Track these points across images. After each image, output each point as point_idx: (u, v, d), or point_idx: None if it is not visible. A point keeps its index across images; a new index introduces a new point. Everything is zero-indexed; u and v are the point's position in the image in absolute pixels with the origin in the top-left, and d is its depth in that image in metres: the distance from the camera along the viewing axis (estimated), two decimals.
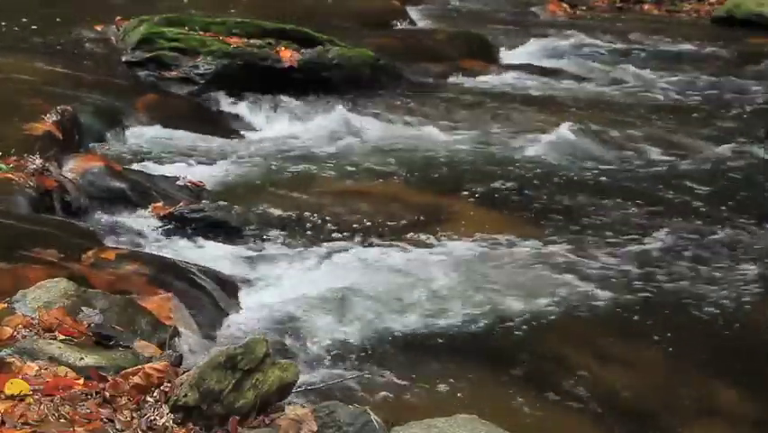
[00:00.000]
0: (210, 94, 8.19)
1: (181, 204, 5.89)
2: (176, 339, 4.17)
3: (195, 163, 6.82)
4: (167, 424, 3.11)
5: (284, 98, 8.25)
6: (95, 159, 6.28)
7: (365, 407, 3.33)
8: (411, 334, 4.75)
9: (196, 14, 9.35)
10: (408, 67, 9.23)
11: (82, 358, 3.50)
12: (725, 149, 7.56)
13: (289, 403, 3.28)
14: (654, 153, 7.50)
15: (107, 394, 3.23)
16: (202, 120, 7.71)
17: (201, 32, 8.67)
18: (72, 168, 6.03)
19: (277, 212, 5.98)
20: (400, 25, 11.01)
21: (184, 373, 3.30)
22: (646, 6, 13.42)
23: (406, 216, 6.07)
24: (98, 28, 9.30)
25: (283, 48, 8.63)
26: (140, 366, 3.37)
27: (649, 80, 9.68)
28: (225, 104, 8.14)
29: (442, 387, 4.31)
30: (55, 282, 4.05)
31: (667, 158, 7.42)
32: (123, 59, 8.46)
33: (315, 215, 6.00)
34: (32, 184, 5.56)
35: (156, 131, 7.38)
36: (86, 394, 3.23)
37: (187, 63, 8.31)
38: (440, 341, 4.71)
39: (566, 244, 5.82)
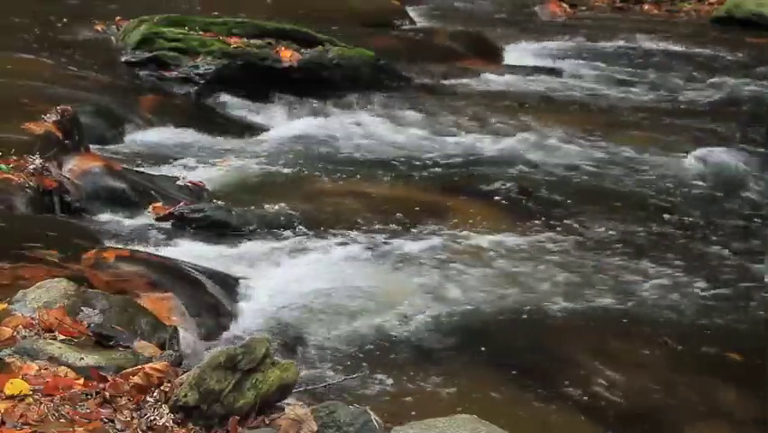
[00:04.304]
0: (210, 94, 8.20)
1: (181, 204, 5.89)
2: (176, 339, 4.17)
3: (195, 163, 6.83)
4: (167, 424, 3.11)
5: (284, 98, 8.26)
6: (95, 159, 6.28)
7: (365, 407, 3.33)
8: (411, 333, 4.75)
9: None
10: (408, 67, 9.23)
11: (82, 358, 3.49)
12: (725, 149, 7.55)
13: (289, 403, 3.28)
14: (654, 153, 7.50)
15: (107, 394, 3.23)
16: (202, 120, 7.72)
17: (201, 32, 8.67)
18: (72, 168, 6.03)
19: (276, 212, 5.97)
20: (400, 25, 11.01)
21: (184, 373, 3.30)
22: (646, 6, 13.43)
23: (407, 216, 6.07)
24: (98, 28, 9.31)
25: (283, 48, 8.64)
26: (140, 366, 3.36)
27: (649, 80, 9.68)
28: (225, 104, 8.15)
29: (442, 387, 4.31)
30: (55, 282, 4.04)
31: (666, 158, 7.41)
32: (123, 59, 8.46)
33: (315, 214, 6.00)
34: (31, 184, 5.56)
35: (156, 131, 7.39)
36: (86, 394, 3.23)
37: (188, 63, 8.32)
38: (440, 341, 4.71)
39: (566, 243, 5.82)
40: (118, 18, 9.28)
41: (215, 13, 9.72)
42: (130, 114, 7.48)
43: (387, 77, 8.89)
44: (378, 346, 4.61)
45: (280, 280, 5.16)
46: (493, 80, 9.40)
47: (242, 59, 8.42)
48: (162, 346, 3.92)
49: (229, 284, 5.04)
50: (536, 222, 6.12)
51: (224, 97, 8.19)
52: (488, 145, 7.53)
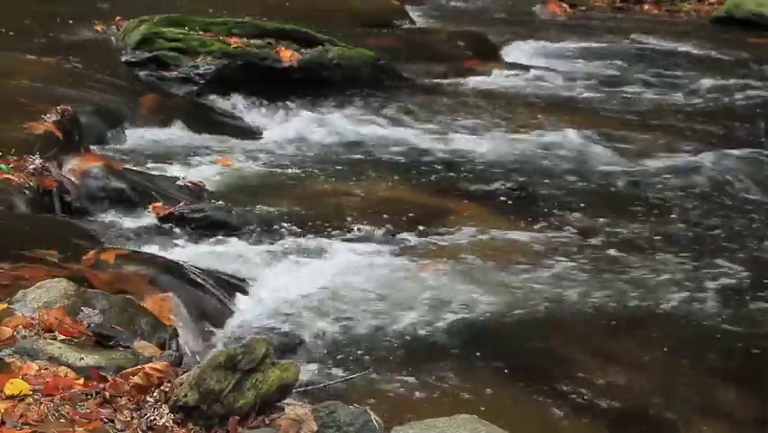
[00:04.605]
0: (210, 94, 8.19)
1: (181, 204, 5.89)
2: (176, 339, 4.17)
3: (195, 163, 6.83)
4: (167, 424, 3.11)
5: (284, 98, 8.26)
6: (95, 159, 6.28)
7: (365, 407, 3.33)
8: (411, 333, 4.75)
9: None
10: (409, 67, 9.23)
11: (82, 358, 3.50)
12: (725, 149, 7.55)
13: (289, 403, 3.28)
14: (653, 154, 7.50)
15: (107, 394, 3.23)
16: (202, 120, 7.71)
17: (201, 32, 8.67)
18: (72, 168, 6.03)
19: (276, 212, 5.98)
20: (400, 25, 11.01)
21: (184, 373, 3.30)
22: (646, 6, 13.43)
23: (406, 216, 6.07)
24: (98, 28, 9.30)
25: (283, 48, 8.64)
26: (140, 366, 3.37)
27: (649, 80, 9.68)
28: (225, 104, 8.15)
29: (442, 387, 4.31)
30: (55, 282, 4.05)
31: (666, 158, 7.41)
32: (123, 59, 8.46)
33: (315, 215, 6.00)
34: (31, 184, 5.56)
35: (156, 131, 7.38)
36: (86, 394, 3.23)
37: (188, 63, 8.32)
38: (440, 341, 4.71)
39: (567, 244, 5.82)
40: (118, 18, 9.27)
41: (209, 10, 9.72)
42: (130, 114, 7.48)
43: (387, 77, 8.88)
44: (378, 346, 4.61)
45: (280, 280, 5.16)
46: (493, 80, 9.40)
47: (242, 59, 8.42)
48: (162, 346, 3.92)
49: (229, 284, 5.04)
50: (537, 223, 6.12)
51: (224, 97, 8.18)
52: (488, 145, 7.53)
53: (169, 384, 3.24)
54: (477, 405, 4.06)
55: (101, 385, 3.28)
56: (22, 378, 3.27)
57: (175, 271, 4.89)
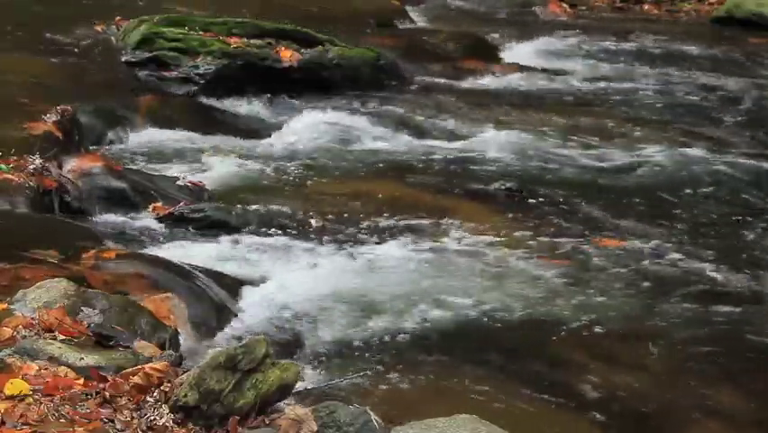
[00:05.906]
0: (210, 94, 8.18)
1: (181, 204, 5.89)
2: (176, 339, 4.17)
3: (194, 163, 6.82)
4: (167, 424, 3.12)
5: (284, 98, 8.26)
6: (95, 159, 6.28)
7: (365, 407, 3.33)
8: (411, 333, 4.74)
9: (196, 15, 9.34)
10: (408, 67, 9.23)
11: (82, 358, 3.50)
12: (725, 150, 7.56)
13: (289, 403, 3.28)
14: (654, 154, 7.49)
15: (107, 394, 3.23)
16: (202, 120, 7.71)
17: (201, 32, 8.66)
18: (72, 168, 6.03)
19: (277, 212, 5.98)
20: (400, 25, 11.00)
21: (184, 373, 3.30)
22: (646, 6, 13.42)
23: (406, 216, 6.07)
24: (98, 28, 9.30)
25: (283, 48, 8.63)
26: (140, 366, 3.37)
27: (649, 81, 9.67)
28: (225, 104, 8.14)
29: (442, 387, 4.31)
30: (55, 282, 4.05)
31: (666, 158, 7.41)
32: (123, 59, 8.45)
33: (315, 215, 6.00)
34: (31, 184, 5.56)
35: (156, 131, 7.38)
36: (86, 394, 3.24)
37: (188, 63, 8.31)
38: (440, 341, 4.71)
39: (567, 244, 5.82)
40: (118, 18, 9.27)
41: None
42: (130, 114, 7.47)
43: (387, 77, 8.88)
44: (378, 347, 4.61)
45: (280, 280, 5.16)
46: (493, 80, 9.39)
47: (242, 59, 8.41)
48: (162, 346, 3.92)
49: (229, 284, 5.04)
50: (537, 223, 6.12)
51: (224, 98, 8.18)
52: (488, 145, 7.52)
53: (169, 384, 3.24)
54: (477, 405, 4.06)
55: (101, 385, 3.28)
56: (22, 378, 3.27)
57: (175, 270, 4.89)
